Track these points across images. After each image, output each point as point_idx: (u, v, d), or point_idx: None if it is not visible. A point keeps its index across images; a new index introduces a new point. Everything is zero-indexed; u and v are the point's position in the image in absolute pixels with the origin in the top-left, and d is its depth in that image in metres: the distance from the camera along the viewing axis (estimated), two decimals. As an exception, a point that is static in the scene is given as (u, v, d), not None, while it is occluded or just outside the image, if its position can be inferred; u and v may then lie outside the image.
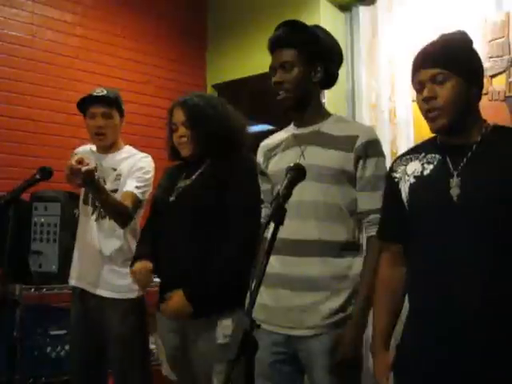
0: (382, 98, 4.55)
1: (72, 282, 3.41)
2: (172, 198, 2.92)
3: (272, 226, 1.81)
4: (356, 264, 2.48)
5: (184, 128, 2.91)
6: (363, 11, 4.72)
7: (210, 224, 2.80)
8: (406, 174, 2.13)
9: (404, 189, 2.12)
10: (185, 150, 2.94)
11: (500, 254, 1.89)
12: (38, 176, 2.93)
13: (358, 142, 2.44)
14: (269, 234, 1.85)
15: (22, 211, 3.86)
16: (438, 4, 4.24)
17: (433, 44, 2.10)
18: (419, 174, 2.09)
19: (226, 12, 5.61)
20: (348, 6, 4.84)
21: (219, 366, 2.70)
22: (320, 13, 4.65)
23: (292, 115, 2.64)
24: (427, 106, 2.02)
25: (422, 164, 2.10)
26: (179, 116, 2.93)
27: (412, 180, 2.10)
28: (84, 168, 2.94)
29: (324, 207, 2.44)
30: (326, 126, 2.54)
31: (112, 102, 3.41)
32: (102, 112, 3.37)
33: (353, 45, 4.78)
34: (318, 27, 2.66)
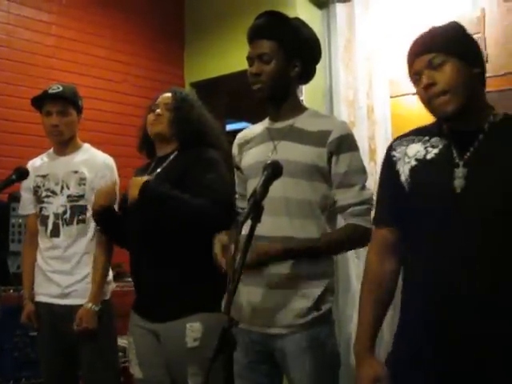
0: (359, 95, 4.56)
1: (39, 298, 3.35)
2: None
3: (249, 223, 1.81)
4: (329, 262, 2.47)
5: (165, 109, 2.91)
6: (340, 8, 4.73)
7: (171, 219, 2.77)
8: (407, 155, 2.05)
9: (403, 170, 2.04)
10: (156, 127, 2.91)
11: (502, 248, 1.84)
12: (14, 176, 2.91)
13: (331, 138, 2.40)
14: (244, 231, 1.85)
15: (-1, 212, 3.84)
16: (414, 0, 4.26)
17: (422, 33, 2.03)
18: (421, 157, 2.01)
19: (204, 10, 5.59)
20: (325, 2, 4.84)
21: (192, 369, 2.69)
22: (296, 9, 4.65)
23: (268, 109, 2.60)
24: (428, 95, 1.93)
25: (426, 147, 2.01)
26: (165, 98, 2.96)
27: (413, 162, 2.02)
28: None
29: (296, 203, 2.40)
30: (299, 121, 2.50)
31: (68, 99, 3.33)
32: (57, 110, 3.29)
33: (330, 42, 4.79)
34: (298, 20, 2.62)
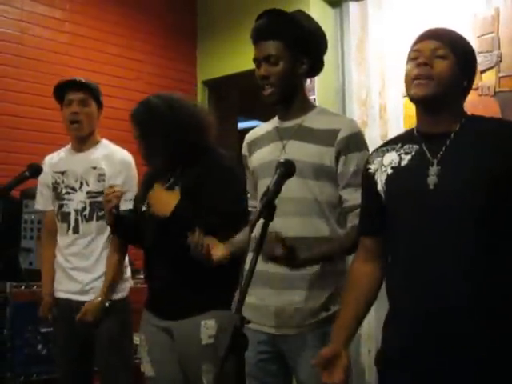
0: (372, 94, 4.55)
1: (58, 294, 3.36)
2: (144, 208, 2.91)
3: (261, 222, 1.81)
4: (338, 262, 2.46)
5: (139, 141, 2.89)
6: (353, 7, 4.72)
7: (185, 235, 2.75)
8: (383, 165, 2.09)
9: (380, 180, 2.08)
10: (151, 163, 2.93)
11: (476, 241, 1.86)
12: (27, 173, 2.91)
13: (340, 136, 2.38)
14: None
15: (11, 208, 3.85)
16: (428, 0, 4.25)
17: (443, 27, 2.09)
18: (396, 164, 2.05)
19: (216, 8, 5.61)
20: (338, 1, 4.83)
21: (207, 366, 2.70)
22: (310, 8, 4.63)
23: (277, 109, 2.57)
24: (418, 71, 1.96)
25: (399, 154, 2.06)
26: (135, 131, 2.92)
27: (389, 171, 2.06)
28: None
29: (306, 203, 2.39)
30: (308, 120, 2.48)
31: (90, 90, 3.35)
32: (78, 98, 3.31)
33: (343, 40, 4.77)
34: (300, 13, 2.58)
